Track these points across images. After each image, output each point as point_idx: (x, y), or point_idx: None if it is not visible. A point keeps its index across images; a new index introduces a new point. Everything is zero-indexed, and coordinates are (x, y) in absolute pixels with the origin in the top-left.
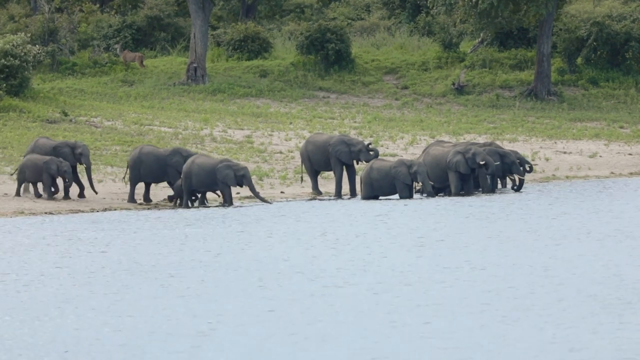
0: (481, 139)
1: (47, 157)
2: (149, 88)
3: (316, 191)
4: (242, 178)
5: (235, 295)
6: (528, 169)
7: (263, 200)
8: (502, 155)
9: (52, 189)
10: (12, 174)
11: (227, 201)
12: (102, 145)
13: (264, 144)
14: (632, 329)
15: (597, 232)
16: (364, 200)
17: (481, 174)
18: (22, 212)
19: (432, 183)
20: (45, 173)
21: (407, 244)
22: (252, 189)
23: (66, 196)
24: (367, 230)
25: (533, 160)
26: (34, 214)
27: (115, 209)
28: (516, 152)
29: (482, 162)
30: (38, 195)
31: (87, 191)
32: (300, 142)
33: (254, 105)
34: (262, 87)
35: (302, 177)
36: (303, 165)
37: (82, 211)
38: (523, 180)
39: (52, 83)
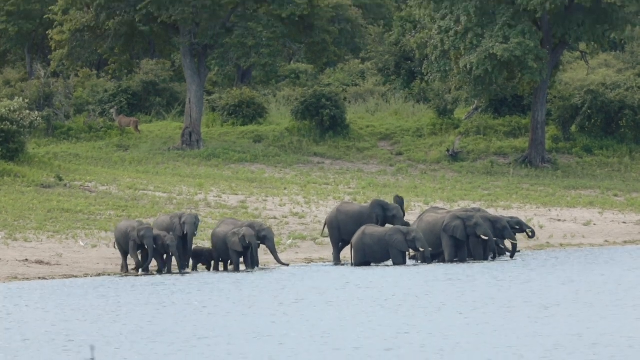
0: (476, 206)
1: (158, 232)
2: (144, 153)
3: (337, 261)
4: (264, 239)
5: None
6: (530, 234)
7: (280, 262)
8: (493, 221)
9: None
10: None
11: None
12: (97, 210)
13: (259, 209)
14: None
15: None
16: (359, 267)
17: (474, 241)
18: (16, 278)
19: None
20: (149, 247)
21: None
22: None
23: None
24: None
25: None
26: (27, 279)
27: (108, 274)
28: (516, 218)
29: (485, 237)
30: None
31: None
32: (294, 208)
33: (249, 170)
34: (257, 153)
35: (322, 232)
36: (330, 235)
37: (76, 276)
38: (515, 245)
39: (47, 147)
